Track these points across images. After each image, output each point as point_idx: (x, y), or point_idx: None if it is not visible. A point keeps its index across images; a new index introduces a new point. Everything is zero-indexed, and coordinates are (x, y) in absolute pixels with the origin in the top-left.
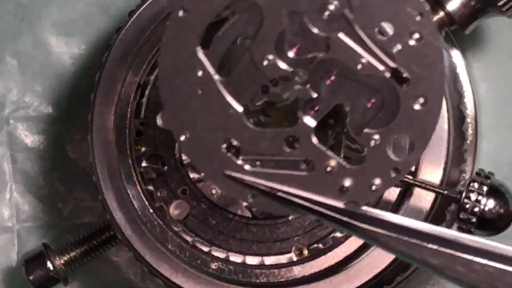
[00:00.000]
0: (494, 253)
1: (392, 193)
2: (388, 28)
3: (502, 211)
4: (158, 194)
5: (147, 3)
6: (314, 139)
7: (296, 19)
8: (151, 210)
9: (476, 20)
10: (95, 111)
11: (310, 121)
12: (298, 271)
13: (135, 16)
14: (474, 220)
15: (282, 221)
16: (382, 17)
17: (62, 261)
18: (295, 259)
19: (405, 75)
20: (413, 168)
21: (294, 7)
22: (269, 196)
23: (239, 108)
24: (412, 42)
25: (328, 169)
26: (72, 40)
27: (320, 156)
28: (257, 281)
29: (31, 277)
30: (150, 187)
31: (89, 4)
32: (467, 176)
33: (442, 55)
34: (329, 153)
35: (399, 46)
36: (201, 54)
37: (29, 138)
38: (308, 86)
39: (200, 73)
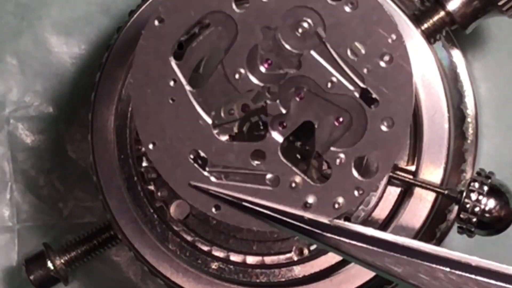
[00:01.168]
0: (457, 261)
1: (393, 193)
2: (360, 48)
3: (502, 211)
4: (159, 193)
5: (147, 3)
6: (281, 155)
7: (270, 35)
8: (151, 210)
9: (477, 19)
10: (95, 111)
11: (277, 137)
12: (299, 270)
13: (135, 16)
14: (474, 220)
15: None
16: (354, 37)
17: (62, 261)
18: (295, 258)
19: (373, 96)
20: (413, 168)
21: (268, 23)
22: (235, 206)
23: (209, 120)
24: (382, 64)
25: (293, 185)
26: (72, 40)
27: (285, 172)
28: (258, 280)
29: (31, 277)
30: (151, 187)
31: (89, 4)
32: (467, 176)
33: (412, 78)
34: (295, 169)
35: (369, 67)
36: (174, 64)
37: (30, 137)
38: (277, 101)
39: (172, 83)
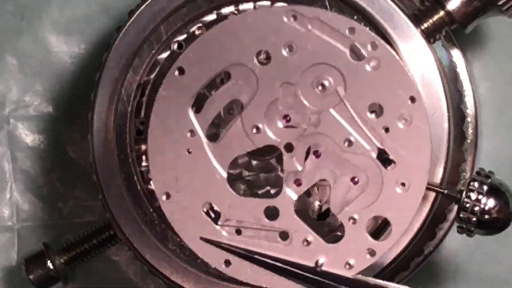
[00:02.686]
0: None
1: None
2: (379, 108)
3: (502, 210)
4: None
5: (147, 2)
6: (294, 212)
7: (290, 91)
8: (151, 209)
9: (476, 19)
10: (95, 111)
11: (292, 194)
12: None
13: (135, 15)
14: (474, 219)
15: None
16: (374, 97)
17: (62, 260)
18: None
19: (390, 157)
20: None
21: (289, 79)
22: (246, 258)
23: (224, 174)
24: (400, 125)
25: (305, 243)
26: (72, 40)
27: (298, 230)
28: None
29: (31, 276)
30: (151, 187)
31: (89, 4)
32: (467, 175)
33: (430, 141)
34: (308, 227)
35: (387, 128)
36: (192, 116)
37: (29, 137)
38: (294, 158)
39: (189, 134)
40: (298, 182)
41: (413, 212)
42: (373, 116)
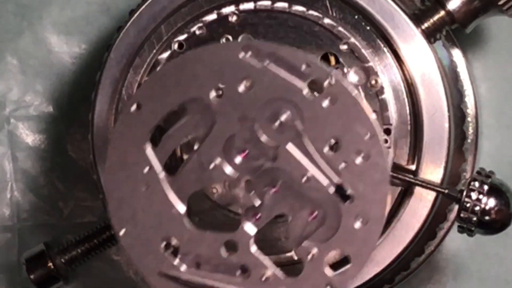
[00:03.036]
0: None
1: (393, 193)
2: (337, 144)
3: (502, 210)
4: None
5: (148, 2)
6: (253, 247)
7: (247, 126)
8: None
9: (477, 19)
10: (95, 111)
11: (250, 228)
12: None
13: (135, 15)
14: (474, 219)
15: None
16: (331, 132)
17: (63, 260)
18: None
19: (348, 192)
20: (414, 167)
21: (246, 114)
22: None
23: (182, 209)
24: (358, 160)
25: (263, 278)
26: (73, 40)
27: (257, 264)
28: None
29: (32, 276)
30: None
31: (89, 4)
32: (467, 175)
33: (388, 176)
34: (267, 262)
35: (345, 163)
36: (149, 151)
37: (30, 137)
38: (252, 193)
39: (146, 169)
40: (256, 217)
41: (373, 247)
42: (331, 151)
